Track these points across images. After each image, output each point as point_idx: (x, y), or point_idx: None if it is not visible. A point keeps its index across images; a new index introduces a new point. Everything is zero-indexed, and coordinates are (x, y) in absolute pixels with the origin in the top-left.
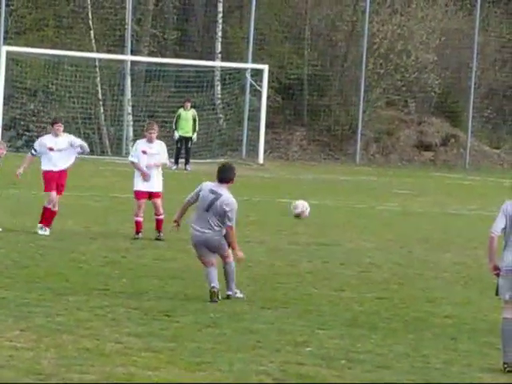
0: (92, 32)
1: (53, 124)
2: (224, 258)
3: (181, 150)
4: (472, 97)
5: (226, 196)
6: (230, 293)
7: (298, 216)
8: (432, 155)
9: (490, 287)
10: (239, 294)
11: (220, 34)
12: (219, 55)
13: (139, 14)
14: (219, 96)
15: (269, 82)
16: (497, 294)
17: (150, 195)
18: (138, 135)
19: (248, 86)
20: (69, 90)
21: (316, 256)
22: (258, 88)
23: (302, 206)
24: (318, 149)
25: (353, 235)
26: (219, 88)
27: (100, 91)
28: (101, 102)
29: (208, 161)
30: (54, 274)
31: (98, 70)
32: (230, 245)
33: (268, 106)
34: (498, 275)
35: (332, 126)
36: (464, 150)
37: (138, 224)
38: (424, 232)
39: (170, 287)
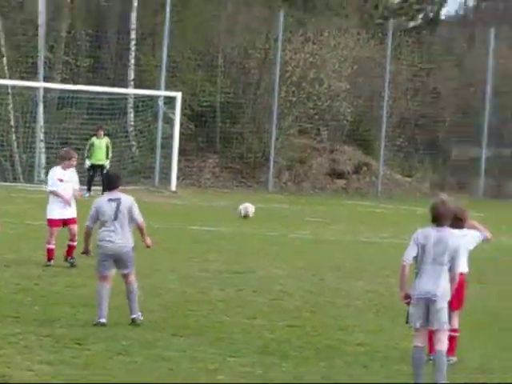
0: (5, 59)
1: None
2: (127, 276)
3: (93, 177)
4: (384, 125)
5: (125, 196)
6: (135, 315)
7: (245, 217)
8: (344, 183)
9: (402, 315)
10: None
11: (133, 61)
12: (132, 82)
13: (52, 41)
14: (132, 123)
15: (182, 109)
16: (407, 322)
17: (65, 222)
18: (50, 162)
19: (161, 113)
20: None
21: (228, 283)
22: (171, 115)
23: (245, 207)
24: (231, 176)
25: (265, 263)
26: (132, 115)
27: (12, 118)
28: (13, 129)
29: (120, 188)
30: None
31: (10, 96)
32: (142, 236)
33: (181, 134)
34: (408, 304)
35: (244, 154)
36: (376, 178)
37: (50, 251)
38: (336, 260)
39: (81, 314)
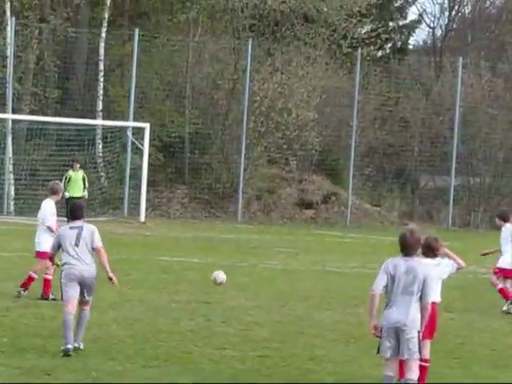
0: None
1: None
2: (85, 303)
3: None
4: (352, 155)
5: (87, 225)
6: (77, 345)
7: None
8: (313, 213)
9: (372, 345)
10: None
11: (101, 92)
12: (100, 113)
13: (20, 73)
14: (101, 154)
15: (150, 140)
16: (378, 352)
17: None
18: (19, 194)
19: (129, 144)
20: None
21: (197, 314)
22: (140, 146)
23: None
24: (200, 207)
25: (234, 293)
26: (101, 146)
27: None
28: None
29: (90, 219)
30: None
31: None
32: (103, 267)
33: (149, 164)
34: (377, 335)
35: (213, 184)
36: (345, 208)
37: (47, 282)
38: (305, 290)
39: (50, 346)
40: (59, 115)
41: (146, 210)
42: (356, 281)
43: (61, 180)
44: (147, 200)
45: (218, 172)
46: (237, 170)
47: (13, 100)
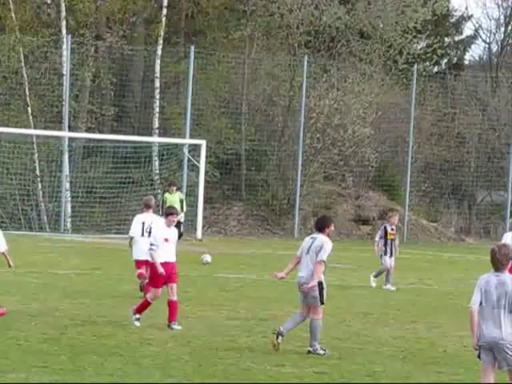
0: (29, 108)
1: (167, 215)
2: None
3: None
4: (409, 171)
5: (320, 237)
6: (310, 349)
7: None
8: (370, 229)
9: (429, 362)
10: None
11: (157, 109)
12: (157, 131)
13: (76, 90)
14: (157, 171)
15: (206, 157)
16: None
17: None
18: (75, 211)
19: (186, 161)
20: (6, 166)
21: (255, 331)
22: (196, 163)
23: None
24: (256, 223)
25: (291, 310)
26: (157, 163)
27: (38, 167)
28: (39, 179)
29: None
30: None
31: (35, 146)
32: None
33: (206, 181)
34: (478, 350)
35: (270, 201)
36: (402, 224)
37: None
38: (362, 306)
39: (108, 363)
40: (115, 133)
41: (203, 227)
42: (413, 297)
43: (162, 205)
44: (204, 217)
45: (275, 188)
46: (293, 186)
47: (69, 118)
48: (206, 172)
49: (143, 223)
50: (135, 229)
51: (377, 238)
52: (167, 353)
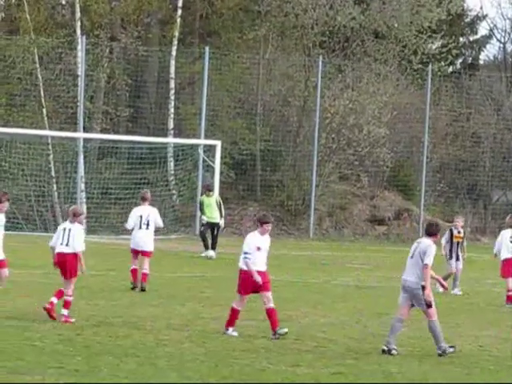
0: (44, 110)
1: (263, 223)
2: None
3: (204, 233)
4: (424, 171)
5: (424, 241)
6: (439, 351)
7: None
8: (385, 229)
9: (446, 361)
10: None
11: (172, 110)
12: (172, 131)
13: (91, 92)
14: (172, 172)
15: (222, 157)
16: None
17: None
18: (91, 212)
19: (201, 161)
20: (22, 167)
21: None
22: (211, 164)
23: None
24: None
25: (307, 310)
26: (172, 164)
27: (53, 169)
28: (54, 180)
29: (160, 237)
30: (9, 352)
31: (50, 147)
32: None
33: (221, 182)
34: None
35: (285, 201)
36: (417, 224)
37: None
38: (378, 306)
39: (124, 365)
40: (130, 133)
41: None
42: None
43: (201, 208)
44: None
45: (290, 189)
46: (308, 186)
47: (84, 119)
48: (221, 173)
49: (141, 216)
50: (132, 221)
51: (443, 242)
52: (183, 353)
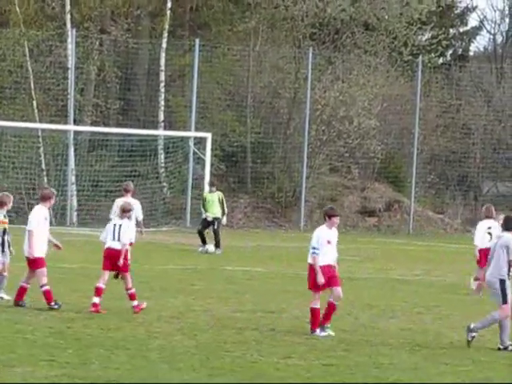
0: (34, 102)
1: (330, 216)
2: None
3: (204, 229)
4: (415, 162)
5: (506, 235)
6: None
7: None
8: (376, 221)
9: (436, 353)
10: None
11: (162, 102)
12: (162, 124)
13: (81, 84)
14: (163, 164)
15: (212, 149)
16: None
17: None
18: (81, 205)
19: (191, 154)
20: (12, 160)
21: (262, 323)
22: (202, 156)
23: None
24: (262, 216)
25: (298, 302)
26: (163, 156)
27: (43, 161)
28: (44, 172)
29: (152, 229)
30: (0, 345)
31: (41, 140)
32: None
33: (211, 174)
34: None
35: (276, 193)
36: (408, 216)
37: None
38: (369, 298)
39: (115, 357)
40: (121, 126)
41: None
42: (420, 288)
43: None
44: None
45: (281, 181)
46: (299, 178)
47: (74, 111)
48: (212, 165)
49: None
50: (115, 212)
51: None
52: (174, 346)
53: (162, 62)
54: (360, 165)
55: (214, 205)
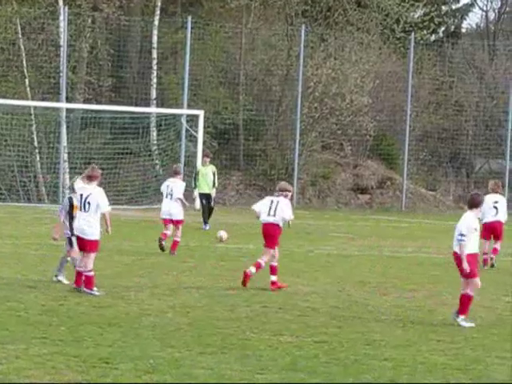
0: (27, 80)
1: (478, 204)
2: None
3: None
4: (407, 139)
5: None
6: None
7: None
8: (368, 198)
9: (428, 330)
10: None
11: (155, 80)
12: (154, 101)
13: (74, 62)
14: (155, 142)
15: (204, 127)
16: None
17: None
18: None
19: (184, 131)
20: (4, 138)
21: (254, 300)
22: (194, 133)
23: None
24: (255, 193)
25: (291, 279)
26: (155, 134)
27: (36, 139)
28: (37, 150)
29: (144, 207)
30: None
31: (33, 117)
32: None
33: (204, 151)
34: None
35: (268, 170)
36: (400, 193)
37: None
38: (362, 275)
39: (108, 334)
40: (113, 103)
41: None
42: (412, 265)
43: (195, 177)
44: None
45: (273, 158)
46: (291, 156)
47: (67, 89)
48: (204, 142)
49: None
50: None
51: None
52: (166, 323)
53: (154, 39)
54: (352, 142)
55: (208, 178)
